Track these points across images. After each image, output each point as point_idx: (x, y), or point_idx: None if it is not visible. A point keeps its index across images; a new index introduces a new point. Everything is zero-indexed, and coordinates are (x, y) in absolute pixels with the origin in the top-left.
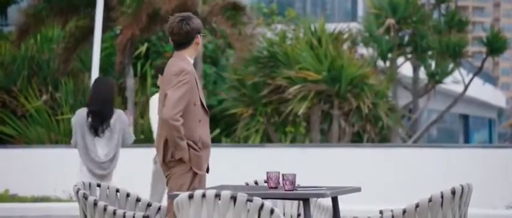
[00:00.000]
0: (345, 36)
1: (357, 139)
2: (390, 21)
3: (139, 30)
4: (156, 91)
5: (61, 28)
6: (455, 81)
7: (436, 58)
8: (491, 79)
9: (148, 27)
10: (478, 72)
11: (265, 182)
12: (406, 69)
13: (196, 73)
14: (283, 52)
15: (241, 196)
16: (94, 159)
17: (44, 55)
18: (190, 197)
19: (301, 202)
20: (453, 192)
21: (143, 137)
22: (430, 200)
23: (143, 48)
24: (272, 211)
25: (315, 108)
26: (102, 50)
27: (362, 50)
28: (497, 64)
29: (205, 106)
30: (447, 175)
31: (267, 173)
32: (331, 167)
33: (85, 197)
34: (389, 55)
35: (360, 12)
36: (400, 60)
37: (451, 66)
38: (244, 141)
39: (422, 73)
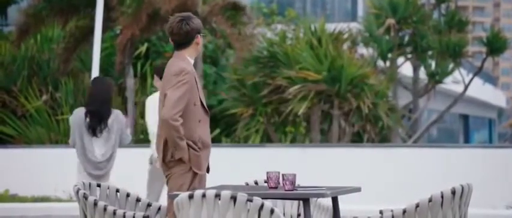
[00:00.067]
0: (345, 36)
1: (357, 139)
2: (390, 21)
3: (139, 30)
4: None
5: (61, 28)
6: (455, 81)
7: (436, 58)
8: (491, 79)
9: (148, 27)
10: (478, 72)
11: (265, 182)
12: (406, 69)
13: (196, 73)
14: (283, 52)
15: (241, 196)
16: (91, 159)
17: (44, 55)
18: (190, 197)
19: (301, 202)
20: (453, 192)
21: (143, 137)
22: (430, 200)
23: (143, 48)
24: (272, 211)
25: (315, 108)
26: (102, 50)
27: (362, 50)
28: (497, 64)
29: (206, 106)
30: (447, 175)
31: (267, 173)
32: (331, 167)
33: (85, 197)
34: (390, 55)
35: (360, 12)
36: (400, 60)
37: (451, 66)
38: (244, 141)
39: (422, 73)
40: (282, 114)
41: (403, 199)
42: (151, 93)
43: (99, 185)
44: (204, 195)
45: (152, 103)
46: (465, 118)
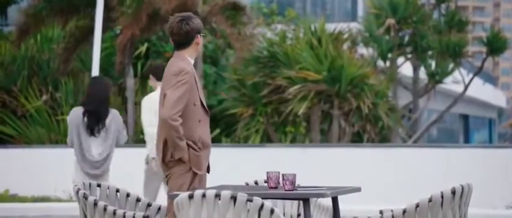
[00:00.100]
0: (345, 36)
1: (357, 139)
2: (390, 21)
3: (139, 30)
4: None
5: (61, 28)
6: (455, 81)
7: (436, 58)
8: (491, 79)
9: (148, 27)
10: (478, 72)
11: (265, 182)
12: (406, 69)
13: (196, 73)
14: (283, 52)
15: (241, 196)
16: (88, 159)
17: (44, 55)
18: (190, 197)
19: (301, 202)
20: (453, 192)
21: (143, 137)
22: (430, 200)
23: (143, 48)
24: (272, 211)
25: (315, 108)
26: (102, 50)
27: (362, 50)
28: (497, 64)
29: (206, 106)
30: (447, 175)
31: (267, 173)
32: (331, 167)
33: (85, 197)
34: (389, 55)
35: (360, 12)
36: (400, 60)
37: (451, 66)
38: (244, 141)
39: (422, 73)
40: (282, 114)
41: (403, 199)
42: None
43: (99, 185)
44: (204, 195)
45: (148, 103)
46: (465, 118)
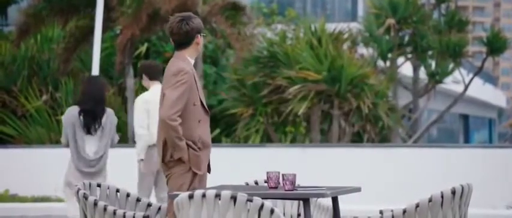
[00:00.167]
0: (345, 36)
1: (357, 139)
2: (390, 21)
3: (139, 30)
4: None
5: (61, 28)
6: (455, 81)
7: (436, 58)
8: (491, 79)
9: (148, 27)
10: (478, 72)
11: (265, 182)
12: (406, 69)
13: (196, 73)
14: (283, 52)
15: (241, 196)
16: (83, 157)
17: (44, 55)
18: (190, 197)
19: (301, 202)
20: (453, 192)
21: None
22: (430, 200)
23: (143, 48)
24: (272, 211)
25: (315, 108)
26: (102, 50)
27: (362, 50)
28: (497, 64)
29: (206, 106)
30: (447, 175)
31: (267, 173)
32: (331, 167)
33: (85, 197)
34: (389, 55)
35: (360, 12)
36: (400, 60)
37: (451, 66)
38: (244, 141)
39: (422, 73)
40: (282, 114)
41: (403, 199)
42: None
43: (99, 185)
44: (204, 195)
45: (140, 103)
46: (465, 118)
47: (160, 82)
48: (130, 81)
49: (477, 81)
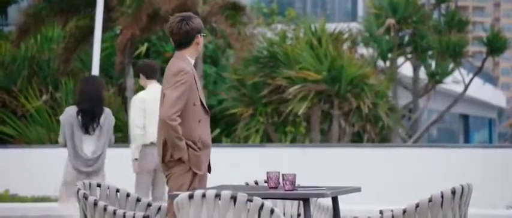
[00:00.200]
0: (345, 36)
1: (357, 139)
2: (390, 21)
3: (139, 30)
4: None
5: (61, 28)
6: (455, 81)
7: (436, 58)
8: (491, 79)
9: (148, 27)
10: (478, 72)
11: (265, 182)
12: (406, 69)
13: (197, 73)
14: (283, 52)
15: (241, 196)
16: (81, 156)
17: (44, 55)
18: (190, 197)
19: (301, 202)
20: (453, 192)
21: None
22: (430, 200)
23: (143, 48)
24: (272, 211)
25: (315, 108)
26: (102, 50)
27: (362, 50)
28: (497, 64)
29: (206, 106)
30: (447, 175)
31: (267, 173)
32: (331, 167)
33: (85, 197)
34: (389, 55)
35: (360, 12)
36: (400, 60)
37: (451, 66)
38: (244, 141)
39: (422, 73)
40: (282, 114)
41: (403, 199)
42: None
43: (99, 185)
44: (204, 195)
45: (138, 103)
46: (465, 118)
47: (158, 81)
48: (130, 81)
49: (477, 81)
